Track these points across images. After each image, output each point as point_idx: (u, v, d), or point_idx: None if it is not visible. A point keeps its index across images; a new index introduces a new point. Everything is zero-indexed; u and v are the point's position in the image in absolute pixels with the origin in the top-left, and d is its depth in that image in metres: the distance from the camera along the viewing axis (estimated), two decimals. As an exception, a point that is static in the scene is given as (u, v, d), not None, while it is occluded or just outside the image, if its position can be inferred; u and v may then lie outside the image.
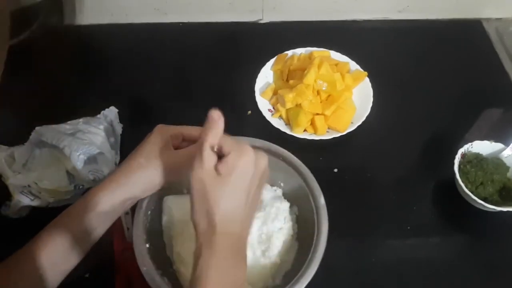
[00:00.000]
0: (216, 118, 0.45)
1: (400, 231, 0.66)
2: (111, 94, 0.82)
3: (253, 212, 0.48)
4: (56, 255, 0.49)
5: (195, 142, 0.56)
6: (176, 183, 0.59)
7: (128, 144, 0.75)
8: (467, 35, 0.93)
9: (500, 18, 0.95)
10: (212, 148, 0.45)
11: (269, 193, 0.63)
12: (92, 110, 0.80)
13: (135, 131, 0.76)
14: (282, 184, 0.64)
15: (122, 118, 0.78)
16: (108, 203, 0.51)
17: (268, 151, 0.59)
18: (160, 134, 0.55)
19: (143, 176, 0.52)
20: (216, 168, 0.44)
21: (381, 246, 0.65)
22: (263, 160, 0.47)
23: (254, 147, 0.46)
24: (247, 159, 0.45)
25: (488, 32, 0.92)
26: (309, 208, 0.58)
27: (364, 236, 0.65)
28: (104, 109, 0.74)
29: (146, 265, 0.52)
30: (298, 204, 0.62)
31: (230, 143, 0.45)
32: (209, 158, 0.44)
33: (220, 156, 0.45)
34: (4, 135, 0.71)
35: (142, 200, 0.56)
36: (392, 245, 0.65)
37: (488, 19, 0.95)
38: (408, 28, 0.93)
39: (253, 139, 0.62)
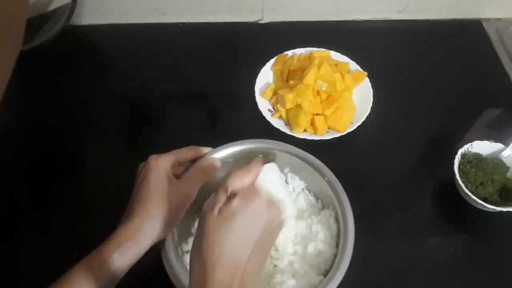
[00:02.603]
0: (254, 171, 0.46)
1: (400, 231, 0.66)
2: (111, 94, 0.82)
3: (259, 268, 0.43)
4: None
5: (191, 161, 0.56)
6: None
7: (127, 143, 0.76)
8: (467, 35, 0.93)
9: (500, 18, 0.95)
10: (226, 189, 0.43)
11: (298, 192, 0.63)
12: (91, 110, 0.80)
13: (135, 132, 0.77)
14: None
15: (121, 118, 0.78)
16: (135, 254, 0.48)
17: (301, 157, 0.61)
18: (159, 167, 0.52)
19: (162, 218, 0.50)
20: (220, 209, 0.42)
21: (380, 246, 0.65)
22: (276, 211, 0.44)
23: (270, 200, 0.44)
24: (255, 206, 0.42)
25: (488, 32, 0.92)
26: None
27: (363, 236, 0.65)
28: (102, 109, 0.73)
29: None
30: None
31: (242, 187, 0.43)
32: (218, 197, 0.43)
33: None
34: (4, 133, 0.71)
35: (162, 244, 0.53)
36: (391, 245, 0.65)
37: (488, 19, 0.95)
38: (408, 28, 0.93)
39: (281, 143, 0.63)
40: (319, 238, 0.57)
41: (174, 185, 0.51)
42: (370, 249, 0.64)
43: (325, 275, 0.54)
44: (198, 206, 0.50)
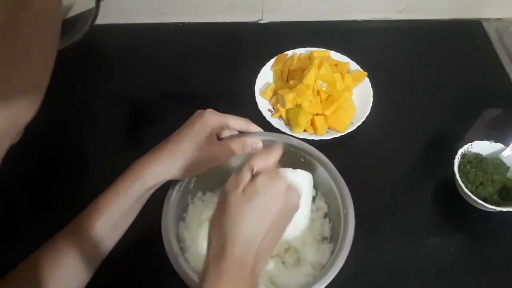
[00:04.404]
0: (278, 152, 0.46)
1: (400, 231, 0.67)
2: (111, 94, 0.82)
3: (271, 248, 0.45)
4: (114, 220, 0.49)
5: (237, 132, 0.58)
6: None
7: (127, 144, 0.75)
8: (467, 35, 0.93)
9: (500, 18, 0.95)
10: (252, 169, 0.44)
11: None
12: (91, 111, 0.80)
13: (135, 132, 0.77)
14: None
15: (121, 118, 0.78)
16: (152, 181, 0.50)
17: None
18: (209, 123, 0.54)
19: (186, 162, 0.52)
20: (243, 187, 0.43)
21: (380, 246, 0.65)
22: (296, 195, 0.46)
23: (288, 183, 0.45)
24: (277, 187, 0.44)
25: (488, 32, 0.92)
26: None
27: (363, 236, 0.65)
28: (102, 109, 0.74)
29: (174, 253, 0.50)
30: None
31: (266, 168, 0.45)
32: (243, 176, 0.44)
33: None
34: None
35: (175, 183, 0.56)
36: (391, 245, 0.65)
37: (488, 19, 0.95)
38: (408, 28, 0.93)
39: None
40: (302, 263, 0.55)
41: (211, 142, 0.54)
42: (370, 249, 0.64)
43: None
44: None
